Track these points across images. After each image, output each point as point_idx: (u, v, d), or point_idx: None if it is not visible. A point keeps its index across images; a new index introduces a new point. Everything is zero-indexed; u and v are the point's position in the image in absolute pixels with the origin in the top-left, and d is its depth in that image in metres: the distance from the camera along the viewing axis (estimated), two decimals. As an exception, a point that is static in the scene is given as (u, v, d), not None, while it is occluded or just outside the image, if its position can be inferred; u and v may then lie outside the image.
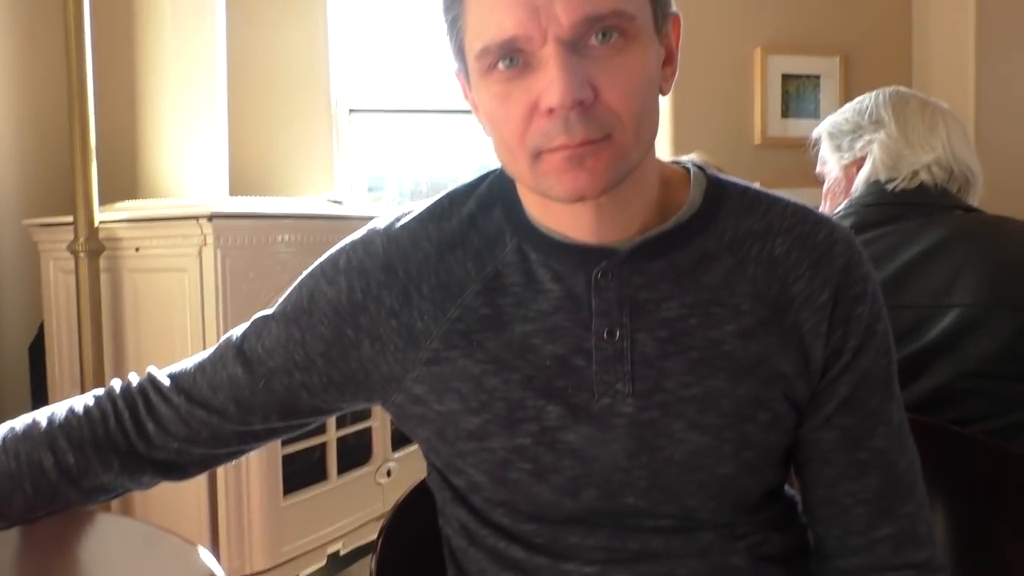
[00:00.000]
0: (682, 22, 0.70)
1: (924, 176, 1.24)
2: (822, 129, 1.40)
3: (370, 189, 2.58)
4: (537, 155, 0.64)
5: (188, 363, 0.83)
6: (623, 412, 0.70)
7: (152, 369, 0.84)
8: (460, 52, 0.68)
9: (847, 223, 1.26)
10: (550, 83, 0.60)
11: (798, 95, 2.49)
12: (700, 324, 0.70)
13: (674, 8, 0.69)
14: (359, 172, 2.46)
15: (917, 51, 2.61)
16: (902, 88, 1.33)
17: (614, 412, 0.70)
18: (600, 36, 0.61)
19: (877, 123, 1.31)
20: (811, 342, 0.72)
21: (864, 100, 1.35)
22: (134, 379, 0.83)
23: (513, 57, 0.62)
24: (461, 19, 0.65)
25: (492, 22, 0.62)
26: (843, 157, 1.35)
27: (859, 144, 1.32)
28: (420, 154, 2.63)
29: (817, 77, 2.50)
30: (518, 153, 0.65)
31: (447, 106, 2.35)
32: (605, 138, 0.62)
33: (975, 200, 1.26)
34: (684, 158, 1.93)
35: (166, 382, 0.81)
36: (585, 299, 0.71)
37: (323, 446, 1.68)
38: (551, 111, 0.61)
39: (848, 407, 0.73)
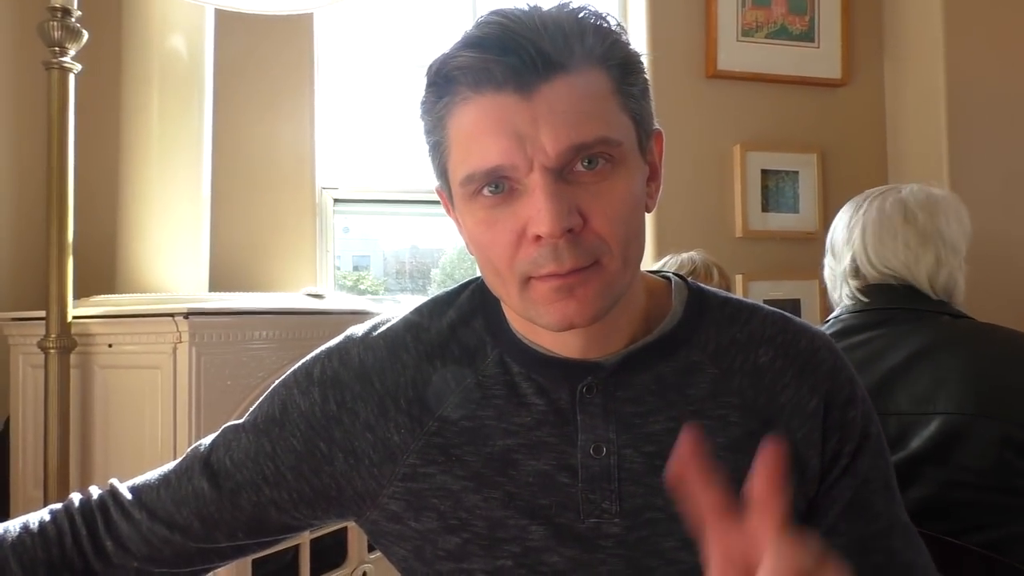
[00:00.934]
0: (664, 137, 0.70)
1: (847, 291, 1.29)
2: None
3: (355, 268, 2.57)
4: (526, 281, 0.62)
5: (153, 475, 0.80)
6: (610, 532, 0.67)
7: (114, 482, 0.80)
8: (443, 174, 0.67)
9: (833, 331, 1.28)
10: (538, 212, 0.59)
11: (777, 189, 2.54)
12: None
13: (656, 125, 0.69)
14: (343, 255, 2.45)
15: (891, 147, 2.68)
16: (865, 192, 1.35)
17: (601, 533, 0.67)
18: (586, 163, 0.60)
19: (828, 244, 1.38)
20: (804, 451, 0.70)
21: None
22: (95, 492, 0.79)
23: (499, 183, 0.61)
24: (443, 144, 0.65)
25: (476, 150, 0.61)
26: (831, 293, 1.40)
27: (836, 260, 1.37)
28: (405, 234, 2.64)
29: (796, 172, 2.55)
30: (507, 278, 0.64)
31: (431, 194, 2.37)
32: (593, 264, 0.61)
33: (933, 290, 1.23)
34: (685, 255, 1.94)
35: (128, 496, 0.78)
36: (570, 414, 0.69)
37: (296, 548, 1.61)
38: (539, 238, 0.60)
39: (852, 511, 0.70)
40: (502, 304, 0.73)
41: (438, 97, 0.64)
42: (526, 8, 0.62)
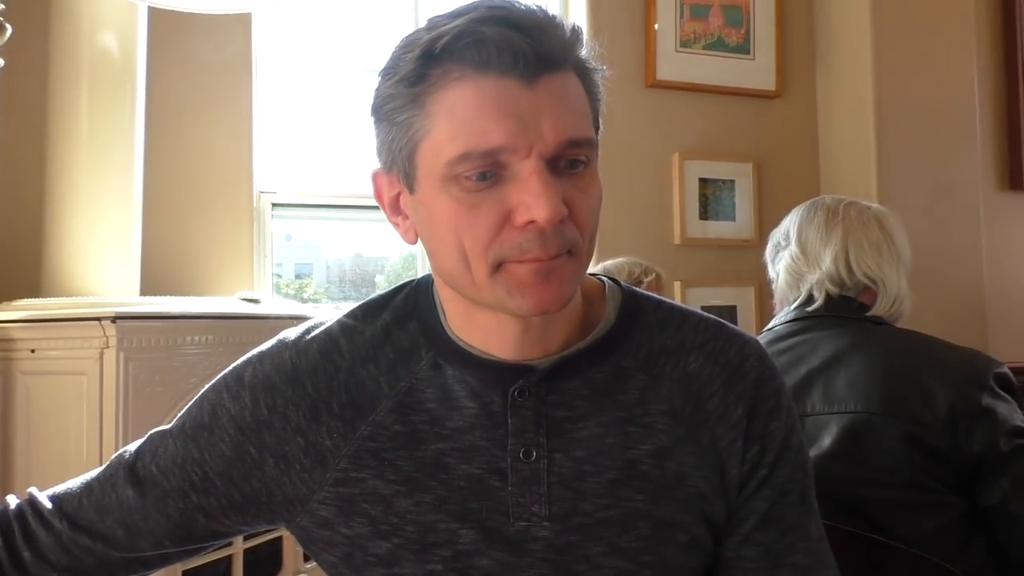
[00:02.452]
0: (603, 130, 0.71)
1: (816, 293, 1.28)
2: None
3: (297, 276, 2.54)
4: (499, 265, 0.62)
5: (75, 483, 0.77)
6: (539, 536, 0.68)
7: (33, 490, 0.77)
8: (408, 155, 0.64)
9: (762, 342, 1.29)
10: (536, 198, 0.59)
11: (715, 198, 2.59)
12: (617, 443, 0.69)
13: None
14: (285, 263, 2.42)
15: (824, 157, 2.76)
16: (824, 198, 1.36)
17: (530, 536, 0.68)
18: (568, 163, 0.62)
19: (787, 240, 1.36)
20: (727, 459, 0.71)
21: (786, 217, 1.40)
22: (12, 501, 0.77)
23: (488, 171, 0.61)
24: (420, 122, 0.63)
25: (475, 129, 0.60)
26: (771, 276, 1.41)
27: (776, 263, 1.38)
28: (348, 241, 2.61)
29: (732, 181, 2.60)
30: (476, 262, 0.62)
31: (373, 200, 2.35)
32: (567, 253, 0.63)
33: (889, 304, 1.26)
34: (620, 260, 1.94)
35: (48, 505, 0.75)
36: (502, 417, 0.69)
37: (229, 559, 1.58)
38: (527, 224, 0.60)
39: (767, 523, 0.71)
40: (441, 304, 0.72)
41: (422, 72, 0.62)
42: (525, 6, 0.62)
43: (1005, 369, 1.15)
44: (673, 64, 2.54)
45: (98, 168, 1.62)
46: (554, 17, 0.63)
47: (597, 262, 2.33)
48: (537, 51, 0.60)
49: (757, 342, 0.76)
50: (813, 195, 2.51)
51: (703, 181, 2.57)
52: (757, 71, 2.65)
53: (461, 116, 0.61)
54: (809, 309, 1.28)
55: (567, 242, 0.62)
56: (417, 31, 0.63)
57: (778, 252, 1.37)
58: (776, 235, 1.39)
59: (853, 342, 1.21)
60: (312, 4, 2.34)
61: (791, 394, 1.15)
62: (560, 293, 0.63)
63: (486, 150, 0.60)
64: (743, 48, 2.64)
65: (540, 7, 0.63)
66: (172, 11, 1.52)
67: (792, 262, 1.32)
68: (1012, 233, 2.84)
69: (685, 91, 2.57)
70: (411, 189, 0.66)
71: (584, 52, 0.66)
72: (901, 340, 1.22)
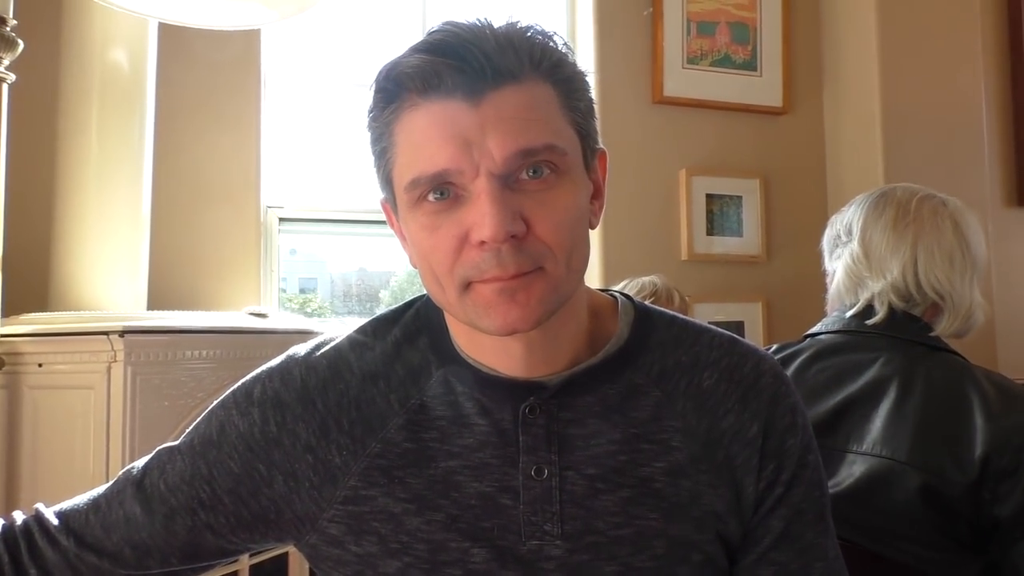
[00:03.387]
0: (608, 157, 0.71)
1: (878, 305, 1.15)
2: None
3: (302, 290, 2.53)
4: (467, 285, 0.62)
5: (82, 500, 0.77)
6: (552, 555, 0.67)
7: (40, 507, 0.76)
8: (388, 183, 0.67)
9: (805, 354, 1.20)
10: (482, 217, 0.59)
11: (722, 214, 2.59)
12: (630, 461, 0.68)
13: (600, 144, 0.70)
14: (289, 277, 2.42)
15: (831, 173, 2.75)
16: (895, 187, 1.21)
17: (542, 555, 0.67)
18: (531, 172, 0.61)
19: (849, 235, 1.21)
20: (742, 477, 0.70)
21: (851, 204, 1.24)
22: (18, 517, 0.76)
23: (444, 189, 0.62)
24: (390, 151, 0.65)
25: (423, 155, 0.61)
26: (828, 269, 1.27)
27: (835, 258, 1.24)
28: (353, 256, 2.61)
29: (739, 197, 2.60)
30: (446, 284, 0.63)
31: (379, 214, 2.35)
32: (537, 270, 0.62)
33: (957, 320, 1.15)
34: (646, 279, 1.92)
35: (54, 522, 0.74)
36: (513, 435, 0.68)
37: (235, 574, 1.56)
38: (483, 243, 0.60)
39: (783, 543, 0.70)
40: (447, 321, 0.73)
41: (386, 103, 0.64)
42: (477, 21, 0.62)
43: None
44: (680, 80, 2.55)
45: (106, 182, 1.62)
46: (513, 27, 0.63)
47: (606, 280, 2.33)
48: (480, 70, 0.60)
49: (772, 358, 0.75)
50: (820, 211, 2.50)
51: (710, 197, 2.57)
52: (764, 88, 2.65)
53: (412, 142, 0.62)
54: (869, 323, 1.15)
55: (532, 259, 0.61)
56: (383, 64, 0.65)
57: (837, 246, 1.24)
58: (836, 224, 1.25)
59: (899, 371, 1.10)
60: (319, 20, 2.36)
61: (825, 418, 1.13)
62: (530, 312, 0.62)
63: (432, 174, 0.61)
64: (750, 65, 2.64)
65: (495, 19, 0.63)
66: (182, 26, 1.53)
67: (853, 264, 1.18)
68: (1020, 249, 2.82)
69: (692, 107, 2.58)
70: (397, 215, 0.68)
71: (557, 59, 0.64)
72: (952, 378, 1.08)
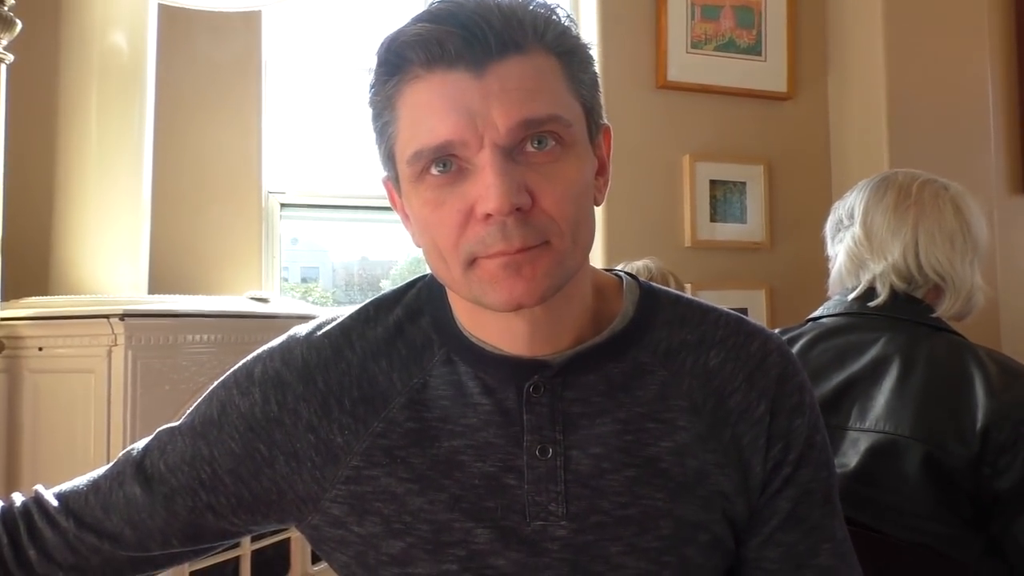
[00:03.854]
0: (612, 134, 0.70)
1: (880, 286, 1.17)
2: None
3: (303, 280, 2.53)
4: (472, 261, 0.61)
5: (81, 481, 0.76)
6: (557, 536, 0.66)
7: (39, 488, 0.76)
8: (390, 159, 0.66)
9: (807, 336, 1.22)
10: (487, 188, 0.58)
11: (725, 200, 2.57)
12: (636, 440, 0.67)
13: (605, 119, 0.69)
14: (291, 266, 2.41)
15: (835, 160, 2.74)
16: (896, 172, 1.23)
17: (547, 535, 0.66)
18: (536, 143, 0.60)
19: (851, 219, 1.23)
20: (750, 457, 0.69)
21: (853, 189, 1.26)
22: (17, 499, 0.75)
23: (447, 162, 0.61)
24: (392, 126, 0.64)
25: (425, 127, 0.60)
26: (830, 254, 1.29)
27: (837, 242, 1.26)
28: (354, 244, 2.60)
29: (743, 183, 2.58)
30: (451, 260, 0.62)
31: (381, 201, 2.34)
32: (543, 244, 0.61)
33: (957, 301, 1.16)
34: (639, 263, 1.92)
35: (54, 503, 0.74)
36: (517, 414, 0.67)
37: (236, 560, 1.56)
38: (488, 217, 0.59)
39: (790, 523, 0.70)
40: (450, 300, 0.72)
41: (388, 76, 0.63)
42: None
43: None
44: (684, 65, 2.53)
45: (107, 166, 1.61)
46: (513, 1, 0.62)
47: (609, 264, 2.31)
48: (484, 39, 0.59)
49: (779, 337, 0.75)
50: (824, 197, 2.48)
51: (714, 183, 2.55)
52: (768, 73, 2.63)
53: (415, 115, 0.61)
54: (871, 304, 1.17)
55: (537, 233, 0.60)
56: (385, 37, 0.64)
57: (839, 231, 1.26)
58: (839, 210, 1.27)
59: (901, 349, 1.11)
60: (320, 3, 2.34)
61: (828, 398, 1.13)
62: (536, 286, 0.61)
63: (435, 146, 0.60)
64: (754, 49, 2.62)
65: None
66: (182, 9, 1.52)
67: (855, 246, 1.20)
68: (1025, 237, 2.81)
69: (696, 92, 2.56)
70: (399, 192, 0.67)
71: (561, 31, 0.64)
72: (953, 355, 1.10)
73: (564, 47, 0.64)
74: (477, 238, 0.60)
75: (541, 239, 0.60)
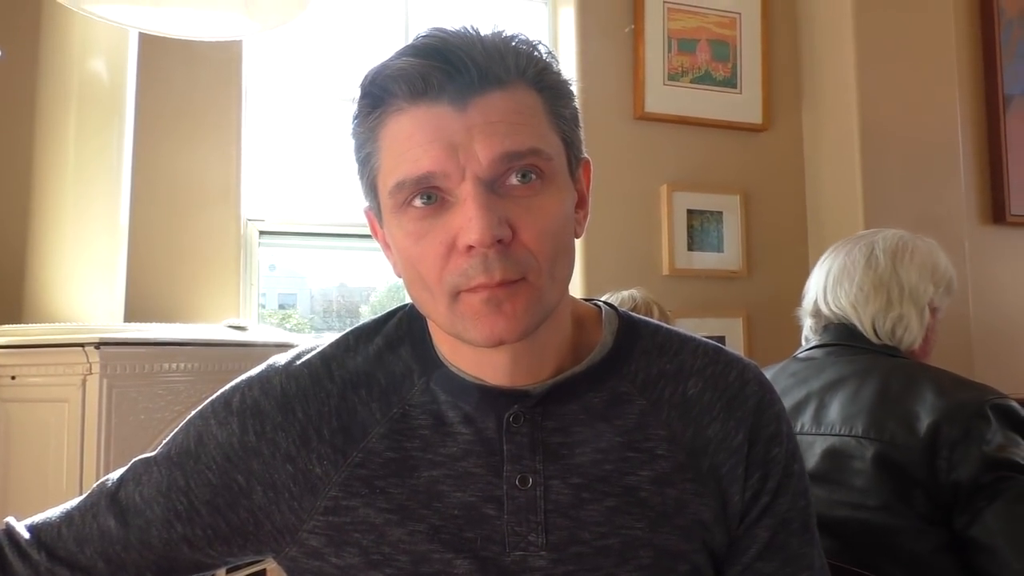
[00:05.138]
0: (592, 167, 0.71)
1: (806, 330, 1.37)
2: None
3: (281, 306, 2.51)
4: (455, 295, 0.61)
5: (54, 513, 0.75)
6: (536, 566, 0.66)
7: (10, 520, 0.74)
8: (372, 189, 0.67)
9: (778, 366, 1.36)
10: (469, 220, 0.59)
11: (702, 229, 2.60)
12: (615, 470, 0.68)
13: (584, 153, 0.70)
14: (268, 293, 2.39)
15: (810, 190, 2.78)
16: (851, 236, 1.39)
17: (527, 566, 0.66)
18: (520, 177, 0.61)
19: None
20: (728, 486, 0.70)
21: None
22: (-11, 532, 0.74)
23: (431, 195, 0.61)
24: (374, 157, 0.64)
25: (408, 158, 0.61)
26: None
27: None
28: (333, 271, 2.59)
29: (720, 213, 2.61)
30: (436, 292, 0.63)
31: (360, 228, 2.34)
32: (521, 280, 0.61)
33: (874, 335, 1.28)
34: (624, 293, 1.93)
35: (25, 535, 0.73)
36: (497, 443, 0.67)
37: (211, 593, 1.53)
38: (469, 249, 0.60)
39: (769, 553, 0.70)
40: (430, 330, 0.72)
41: (371, 108, 0.64)
42: (464, 28, 0.63)
43: (1010, 403, 1.11)
44: (661, 96, 2.56)
45: (84, 193, 1.60)
46: (500, 34, 0.63)
47: (589, 293, 2.32)
48: (467, 74, 0.60)
49: (757, 367, 0.75)
50: (800, 226, 2.51)
51: (691, 212, 2.58)
52: (744, 105, 2.68)
53: (398, 147, 0.62)
54: (818, 342, 1.33)
55: (517, 267, 0.60)
56: (369, 69, 0.65)
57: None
58: None
59: (857, 370, 1.22)
60: (301, 33, 2.35)
61: (787, 411, 1.18)
62: (516, 323, 0.61)
63: (417, 177, 0.60)
64: (730, 82, 2.67)
65: (481, 28, 0.64)
66: (162, 37, 1.52)
67: (802, 305, 1.40)
68: (996, 266, 2.85)
69: (673, 123, 2.59)
70: (381, 223, 0.68)
71: (543, 67, 0.65)
72: (908, 370, 1.21)
73: (545, 83, 0.65)
74: (460, 270, 0.60)
75: (520, 274, 0.61)
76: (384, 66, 0.63)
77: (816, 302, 1.33)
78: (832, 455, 1.15)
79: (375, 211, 0.68)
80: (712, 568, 0.70)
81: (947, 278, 1.31)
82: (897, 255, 1.30)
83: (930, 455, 1.07)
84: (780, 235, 2.66)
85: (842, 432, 1.16)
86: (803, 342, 1.40)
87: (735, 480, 0.69)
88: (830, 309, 1.31)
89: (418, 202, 0.62)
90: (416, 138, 0.61)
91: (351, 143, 0.67)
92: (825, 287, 1.32)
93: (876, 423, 1.13)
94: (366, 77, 0.64)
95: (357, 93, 0.65)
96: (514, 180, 0.61)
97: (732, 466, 0.70)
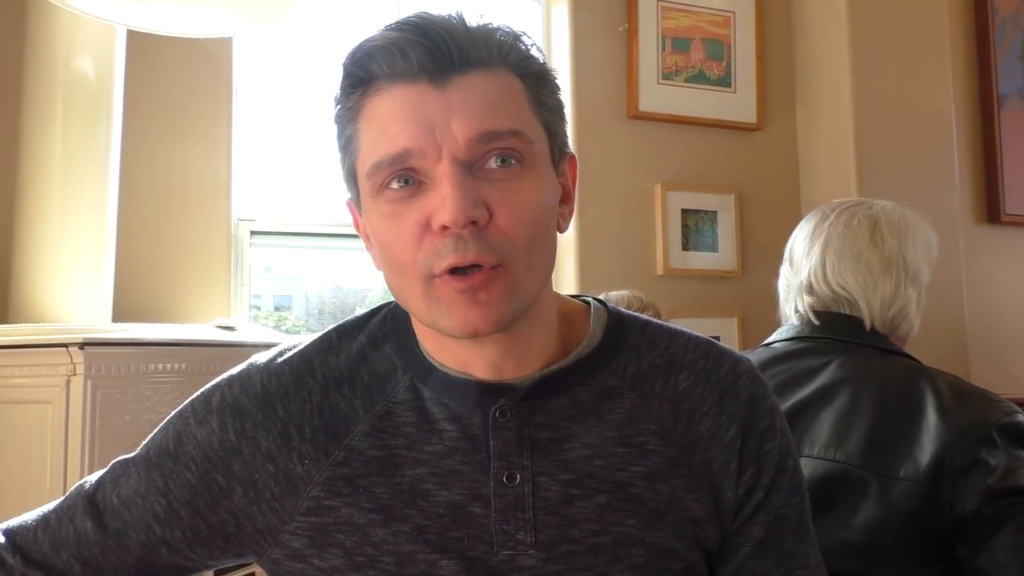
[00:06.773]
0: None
1: (799, 306, 1.20)
2: None
3: (277, 308, 2.49)
4: (430, 279, 0.60)
5: (31, 516, 0.73)
6: (525, 566, 0.64)
7: (-14, 523, 0.73)
8: (352, 176, 0.65)
9: (757, 359, 1.20)
10: (443, 200, 0.58)
11: (697, 229, 2.58)
12: (606, 465, 0.66)
13: (570, 148, 0.69)
14: (264, 294, 2.38)
15: (804, 190, 2.77)
16: (831, 203, 1.26)
17: (515, 566, 0.64)
18: (499, 161, 0.60)
19: (786, 253, 1.29)
20: (721, 482, 0.68)
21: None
22: (-38, 535, 0.72)
23: (408, 178, 0.60)
24: (355, 139, 0.63)
25: (386, 137, 0.60)
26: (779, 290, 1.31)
27: (779, 277, 1.30)
28: (328, 273, 2.58)
29: (714, 212, 2.60)
30: (411, 276, 0.61)
31: (354, 229, 2.32)
32: (497, 266, 0.59)
33: (875, 320, 1.15)
34: (614, 294, 1.91)
35: (1, 539, 0.71)
36: (483, 440, 0.66)
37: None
38: (444, 229, 0.58)
39: (763, 550, 0.68)
40: (414, 326, 0.70)
41: (352, 89, 0.63)
42: (449, 13, 0.62)
43: (1017, 419, 1.00)
44: (655, 96, 2.55)
45: (71, 192, 1.58)
46: (484, 24, 0.63)
47: (584, 292, 2.31)
48: (447, 52, 0.59)
49: (749, 360, 0.74)
50: (794, 226, 2.50)
51: (685, 212, 2.57)
52: (738, 104, 2.67)
53: (376, 126, 0.61)
54: (807, 331, 1.18)
55: (492, 251, 0.59)
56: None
57: (781, 265, 1.29)
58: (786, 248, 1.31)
59: (852, 375, 1.10)
60: (291, 30, 2.33)
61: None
62: (491, 313, 0.60)
63: (393, 156, 0.59)
64: (724, 81, 2.66)
65: (465, 13, 0.63)
66: (151, 34, 1.50)
67: (783, 273, 1.26)
68: (991, 266, 2.85)
69: (667, 123, 2.58)
70: (361, 211, 0.66)
71: (525, 55, 0.64)
72: (905, 378, 1.08)
73: (528, 69, 0.64)
74: (433, 250, 0.59)
75: (496, 259, 0.59)
76: (364, 42, 0.62)
77: (812, 276, 1.18)
78: (825, 482, 1.03)
79: (356, 200, 0.67)
80: (706, 565, 0.68)
81: (935, 256, 1.22)
82: (902, 233, 1.18)
83: (934, 487, 0.98)
84: (774, 235, 2.63)
85: (837, 459, 1.04)
86: (780, 320, 1.27)
87: (728, 476, 0.68)
88: (831, 288, 1.16)
89: (395, 184, 0.60)
90: (394, 116, 0.60)
91: (334, 130, 0.66)
92: (824, 260, 1.17)
93: (875, 451, 1.02)
94: (347, 55, 0.63)
95: (340, 73, 0.64)
96: (493, 164, 0.60)
97: (725, 461, 0.68)
